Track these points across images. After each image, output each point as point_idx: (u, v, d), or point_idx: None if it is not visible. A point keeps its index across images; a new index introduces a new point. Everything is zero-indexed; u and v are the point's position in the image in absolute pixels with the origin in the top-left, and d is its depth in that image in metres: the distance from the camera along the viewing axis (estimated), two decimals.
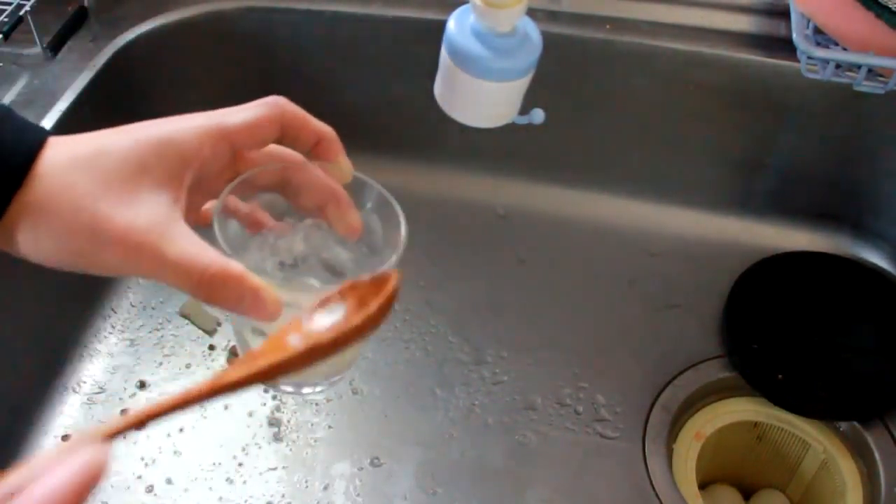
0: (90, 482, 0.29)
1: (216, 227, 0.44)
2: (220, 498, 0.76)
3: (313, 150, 0.47)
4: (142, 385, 0.83)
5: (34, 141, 0.41)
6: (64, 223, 0.40)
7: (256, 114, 0.45)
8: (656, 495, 0.75)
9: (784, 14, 0.81)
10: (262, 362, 0.35)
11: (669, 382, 0.82)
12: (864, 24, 0.72)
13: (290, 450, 0.79)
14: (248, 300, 0.40)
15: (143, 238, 0.39)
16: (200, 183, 0.44)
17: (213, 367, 0.84)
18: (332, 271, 0.49)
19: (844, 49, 0.73)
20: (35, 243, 0.41)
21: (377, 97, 0.96)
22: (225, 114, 0.45)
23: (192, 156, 0.43)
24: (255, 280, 0.40)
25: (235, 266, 0.40)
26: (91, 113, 0.81)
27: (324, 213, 0.49)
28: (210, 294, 0.40)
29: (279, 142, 0.47)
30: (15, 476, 0.29)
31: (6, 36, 0.81)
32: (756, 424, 0.82)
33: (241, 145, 0.45)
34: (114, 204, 0.40)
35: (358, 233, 0.48)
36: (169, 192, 0.41)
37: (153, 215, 0.40)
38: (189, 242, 0.40)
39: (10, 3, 0.83)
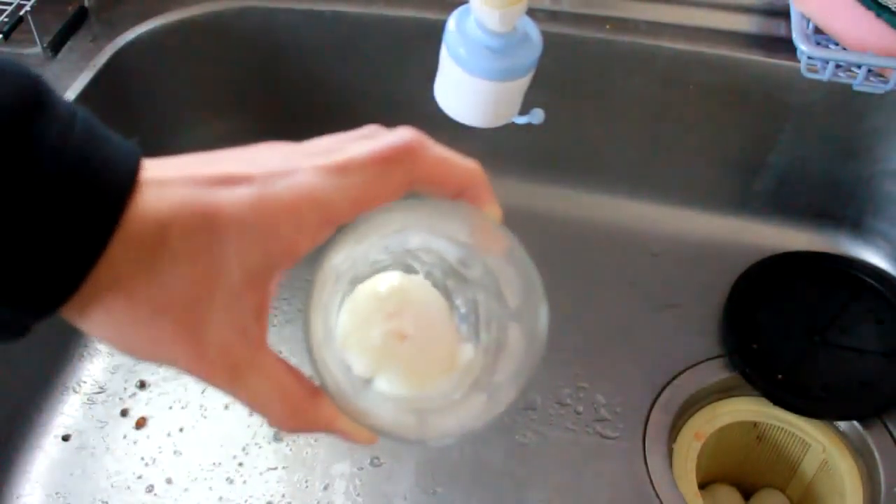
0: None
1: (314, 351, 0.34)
2: (221, 498, 0.76)
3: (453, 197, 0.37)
4: (142, 385, 0.83)
5: (125, 170, 0.31)
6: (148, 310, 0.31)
7: (374, 182, 0.33)
8: (656, 495, 0.75)
9: (784, 14, 0.81)
10: None
11: (669, 382, 0.82)
12: (863, 23, 0.71)
13: (290, 449, 0.79)
14: (340, 435, 0.36)
15: (224, 362, 0.32)
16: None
17: None
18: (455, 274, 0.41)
19: (844, 49, 0.73)
20: (114, 328, 0.32)
21: (377, 97, 0.96)
22: (330, 179, 0.32)
23: (284, 254, 0.32)
24: (345, 425, 0.35)
25: (324, 411, 0.35)
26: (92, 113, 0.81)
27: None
28: (295, 431, 0.36)
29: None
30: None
31: (6, 36, 0.81)
32: (756, 424, 0.82)
33: (348, 220, 0.34)
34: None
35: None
36: (251, 297, 0.32)
37: (232, 333, 0.32)
38: (272, 376, 0.34)
39: (10, 3, 0.83)
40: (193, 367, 0.32)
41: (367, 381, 0.38)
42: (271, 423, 0.35)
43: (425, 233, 0.40)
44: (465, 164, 0.36)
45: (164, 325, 0.31)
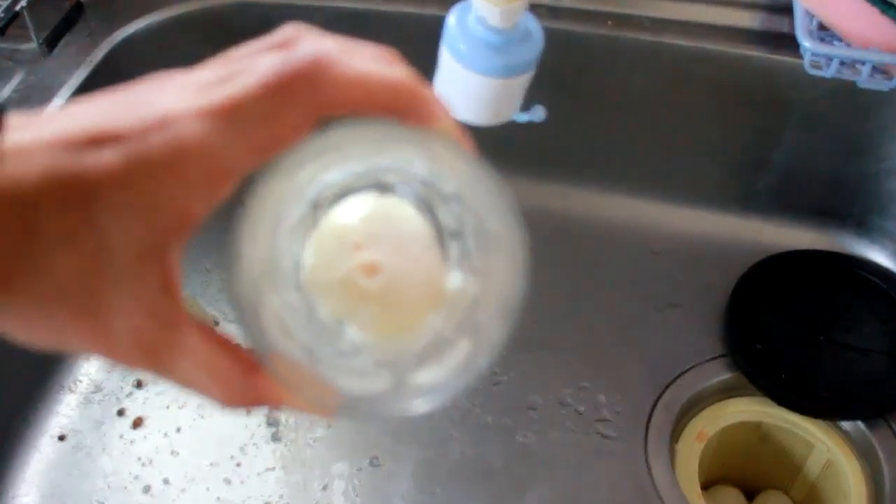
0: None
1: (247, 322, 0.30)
2: (218, 498, 0.75)
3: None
4: (139, 384, 0.82)
5: None
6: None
7: (270, 118, 0.28)
8: (658, 496, 0.74)
9: (787, 10, 0.81)
10: None
11: (672, 382, 0.82)
12: (867, 20, 0.71)
13: (289, 450, 0.78)
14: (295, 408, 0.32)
15: (140, 347, 0.28)
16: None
17: None
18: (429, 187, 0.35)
19: (848, 45, 0.73)
20: (11, 324, 0.28)
21: None
22: (213, 119, 0.27)
23: (174, 222, 0.28)
24: (296, 404, 0.32)
25: (266, 387, 0.31)
26: None
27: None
28: (241, 408, 0.32)
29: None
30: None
31: (2, 31, 0.80)
32: (759, 425, 0.81)
33: (250, 171, 0.29)
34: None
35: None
36: (151, 274, 0.28)
37: (141, 316, 0.28)
38: (197, 355, 0.30)
39: None
40: (108, 355, 0.29)
41: (338, 331, 0.33)
42: (214, 402, 0.31)
43: (374, 158, 0.34)
44: (391, 77, 0.30)
45: (61, 316, 0.27)
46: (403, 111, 0.30)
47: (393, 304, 0.33)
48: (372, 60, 0.30)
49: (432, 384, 0.32)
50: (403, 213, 0.34)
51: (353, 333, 0.33)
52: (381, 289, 0.32)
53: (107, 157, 0.26)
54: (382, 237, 0.33)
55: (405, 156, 0.33)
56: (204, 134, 0.27)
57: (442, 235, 0.34)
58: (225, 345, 0.31)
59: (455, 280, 0.34)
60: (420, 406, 0.32)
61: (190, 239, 0.28)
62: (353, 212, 0.34)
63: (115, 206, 0.26)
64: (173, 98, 0.28)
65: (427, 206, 0.34)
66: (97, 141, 0.27)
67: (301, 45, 0.29)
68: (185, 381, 0.30)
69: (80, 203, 0.26)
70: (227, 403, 0.31)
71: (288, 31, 0.31)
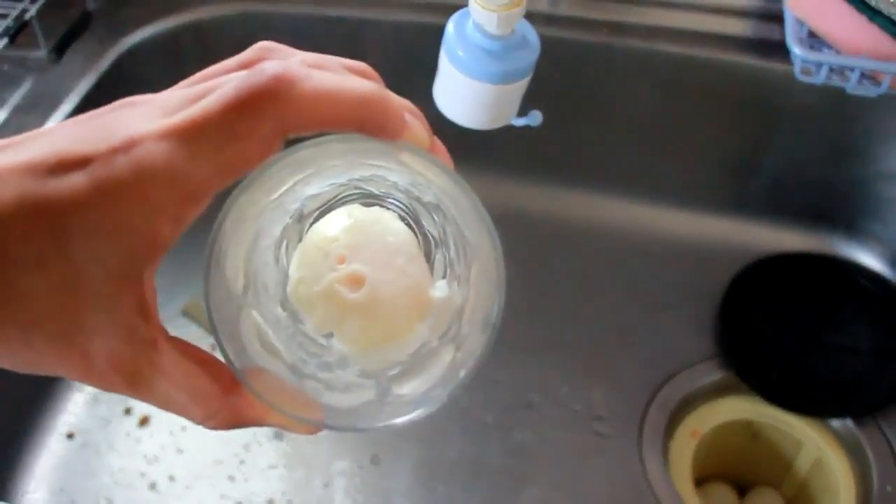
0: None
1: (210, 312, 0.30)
2: (222, 495, 0.76)
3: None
4: None
5: None
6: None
7: (234, 138, 0.27)
8: (653, 493, 0.75)
9: (778, 18, 0.81)
10: None
11: (665, 381, 0.83)
12: (856, 27, 0.72)
13: (291, 448, 0.79)
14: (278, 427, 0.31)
15: (118, 370, 0.28)
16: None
17: None
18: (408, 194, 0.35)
19: (838, 52, 0.74)
20: None
21: None
22: (177, 140, 0.27)
23: (145, 245, 0.27)
24: (277, 418, 0.31)
25: (246, 407, 0.30)
26: None
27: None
28: (223, 429, 0.31)
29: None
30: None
31: (12, 39, 0.81)
32: (751, 423, 0.82)
33: (218, 190, 0.28)
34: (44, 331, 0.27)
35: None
36: (126, 297, 0.28)
37: (117, 339, 0.28)
38: (175, 377, 0.29)
39: (15, 7, 0.84)
40: (87, 380, 0.28)
41: (323, 343, 0.33)
42: (195, 422, 0.30)
43: (352, 170, 0.33)
44: (358, 91, 0.29)
45: (38, 341, 0.27)
46: (371, 125, 0.29)
47: (378, 315, 0.33)
48: (339, 75, 0.30)
49: (417, 395, 0.32)
50: (388, 224, 0.34)
51: (339, 345, 0.33)
52: (366, 300, 0.33)
53: (74, 181, 0.26)
54: (366, 249, 0.33)
55: (382, 167, 0.33)
56: (168, 154, 0.26)
57: (427, 245, 0.34)
58: (206, 363, 0.30)
59: (440, 289, 0.34)
60: (404, 418, 0.31)
61: (163, 259, 0.28)
62: (336, 224, 0.34)
63: (84, 230, 0.26)
64: (139, 120, 0.28)
65: (411, 216, 0.35)
66: (66, 165, 0.27)
67: (266, 63, 0.28)
68: (165, 403, 0.29)
69: (50, 228, 0.26)
70: (207, 424, 0.30)
71: (256, 48, 0.30)
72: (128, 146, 0.26)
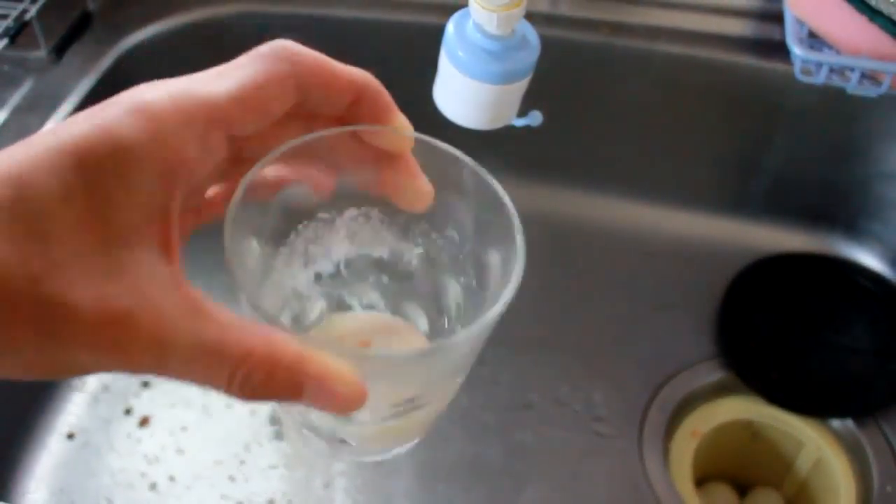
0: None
1: (229, 243, 0.30)
2: (223, 495, 0.76)
3: (350, 113, 0.33)
4: (145, 384, 0.84)
5: None
6: None
7: (255, 75, 0.30)
8: (653, 493, 0.75)
9: (778, 18, 0.82)
10: None
11: (666, 381, 0.83)
12: (857, 27, 0.72)
13: (292, 448, 0.79)
14: (311, 391, 0.28)
15: (129, 322, 0.25)
16: (184, 197, 0.29)
17: None
18: (393, 272, 0.38)
19: (838, 53, 0.74)
20: None
21: None
22: (205, 81, 0.30)
23: (173, 167, 0.27)
24: (320, 364, 0.27)
25: (286, 346, 0.27)
26: None
27: (378, 187, 0.34)
28: (251, 392, 0.27)
29: (298, 108, 0.32)
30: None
31: (12, 40, 0.81)
32: (751, 423, 0.82)
33: (240, 129, 0.30)
34: (65, 275, 0.25)
35: (427, 200, 0.34)
36: (149, 238, 0.27)
37: (135, 283, 0.26)
38: (203, 317, 0.27)
39: (15, 7, 0.84)
40: (92, 342, 0.26)
41: None
42: (212, 385, 0.27)
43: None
44: (357, 72, 0.33)
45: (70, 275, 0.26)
46: (367, 95, 0.33)
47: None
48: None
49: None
50: (400, 328, 0.38)
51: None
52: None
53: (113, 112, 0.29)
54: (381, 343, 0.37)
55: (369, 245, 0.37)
56: (198, 84, 0.30)
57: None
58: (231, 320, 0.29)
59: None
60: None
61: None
62: (352, 323, 0.37)
63: (115, 157, 0.28)
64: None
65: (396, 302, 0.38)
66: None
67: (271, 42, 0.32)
68: (186, 358, 0.27)
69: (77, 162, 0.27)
70: (234, 384, 0.27)
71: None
72: (157, 84, 0.29)
